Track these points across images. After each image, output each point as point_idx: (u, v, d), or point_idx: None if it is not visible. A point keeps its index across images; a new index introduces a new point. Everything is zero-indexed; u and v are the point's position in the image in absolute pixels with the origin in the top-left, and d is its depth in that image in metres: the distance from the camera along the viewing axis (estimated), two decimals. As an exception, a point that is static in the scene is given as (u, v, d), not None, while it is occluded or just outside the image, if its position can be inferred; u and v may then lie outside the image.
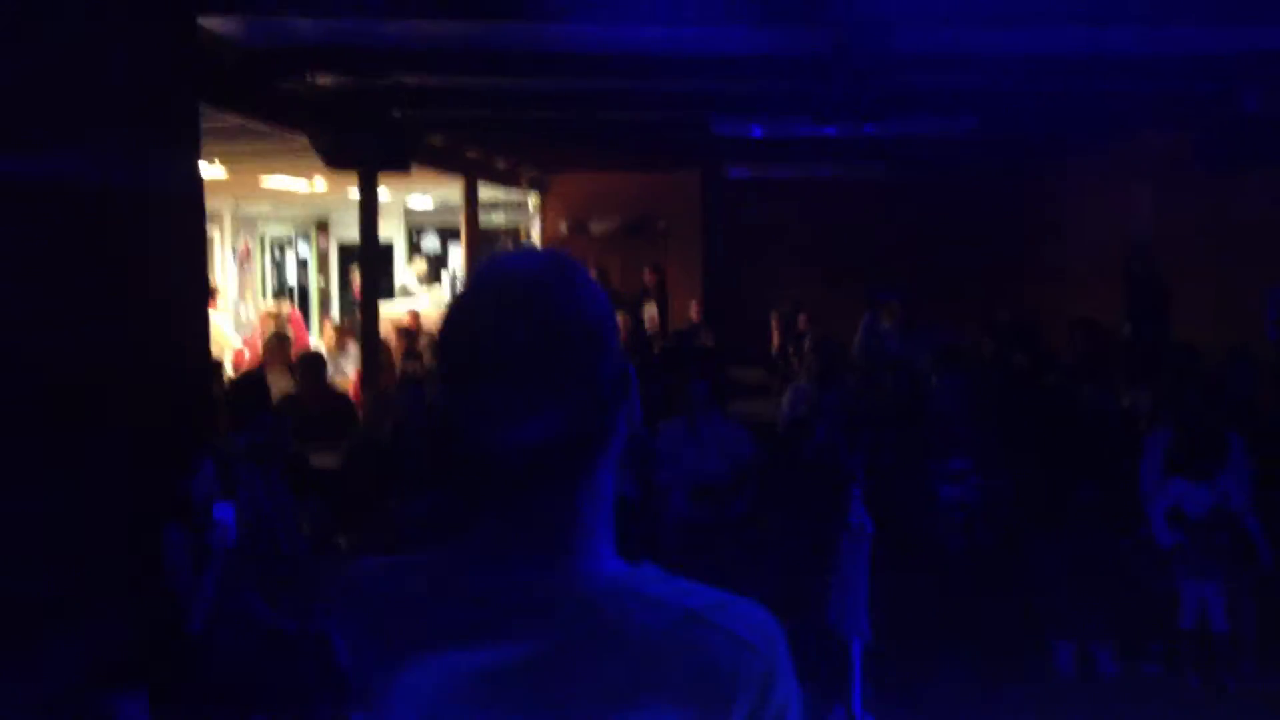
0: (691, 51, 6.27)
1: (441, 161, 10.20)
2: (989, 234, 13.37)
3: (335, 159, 6.69)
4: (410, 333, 11.36)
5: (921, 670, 5.80)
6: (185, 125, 4.89)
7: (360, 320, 9.26)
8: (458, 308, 1.29)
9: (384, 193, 15.10)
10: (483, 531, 1.28)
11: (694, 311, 13.01)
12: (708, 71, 6.46)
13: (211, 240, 15.68)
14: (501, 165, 12.44)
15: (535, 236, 15.24)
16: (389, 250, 18.24)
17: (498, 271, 1.29)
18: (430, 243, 18.42)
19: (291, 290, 18.73)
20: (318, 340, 12.95)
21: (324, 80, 6.48)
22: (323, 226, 19.17)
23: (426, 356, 10.46)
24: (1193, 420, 6.10)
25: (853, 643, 1.60)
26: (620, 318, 11.42)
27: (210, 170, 10.55)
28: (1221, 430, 6.06)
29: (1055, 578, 6.04)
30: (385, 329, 11.26)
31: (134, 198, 4.48)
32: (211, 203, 15.01)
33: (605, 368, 1.26)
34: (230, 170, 10.87)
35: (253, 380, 5.77)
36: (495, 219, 17.66)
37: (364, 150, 6.53)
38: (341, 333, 10.63)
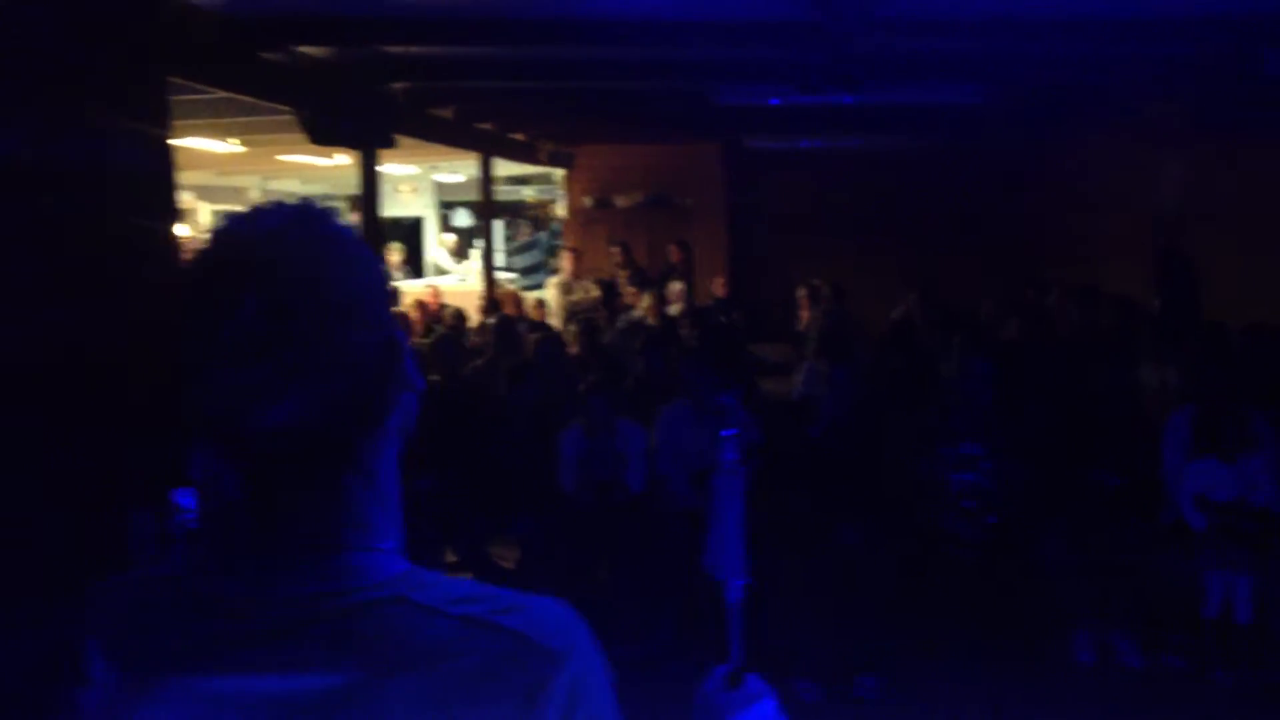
0: (684, 17, 6.06)
1: (452, 136, 9.99)
2: (1016, 206, 13.04)
3: (318, 135, 6.52)
4: (428, 308, 11.25)
5: (935, 660, 5.61)
6: (151, 98, 4.73)
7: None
8: (187, 278, 1.11)
9: (410, 168, 15.01)
10: (239, 533, 1.12)
11: (718, 288, 12.77)
12: (700, 39, 6.23)
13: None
14: (518, 139, 12.23)
15: (562, 211, 15.08)
16: (418, 226, 18.12)
17: (231, 233, 1.11)
18: (461, 219, 18.28)
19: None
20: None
21: (310, 51, 6.30)
22: (354, 202, 19.10)
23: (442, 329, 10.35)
24: (1217, 399, 5.82)
25: (729, 587, 1.51)
26: (648, 296, 11.26)
27: (227, 146, 10.49)
28: (1247, 410, 5.78)
29: (1072, 565, 5.79)
30: (407, 306, 11.18)
31: (91, 171, 4.32)
32: (237, 179, 15.07)
33: (360, 341, 1.09)
34: (249, 145, 10.78)
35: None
36: (525, 193, 17.50)
37: (346, 126, 6.34)
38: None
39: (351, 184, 17.96)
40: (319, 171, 14.79)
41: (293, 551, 1.10)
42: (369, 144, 7.21)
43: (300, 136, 10.24)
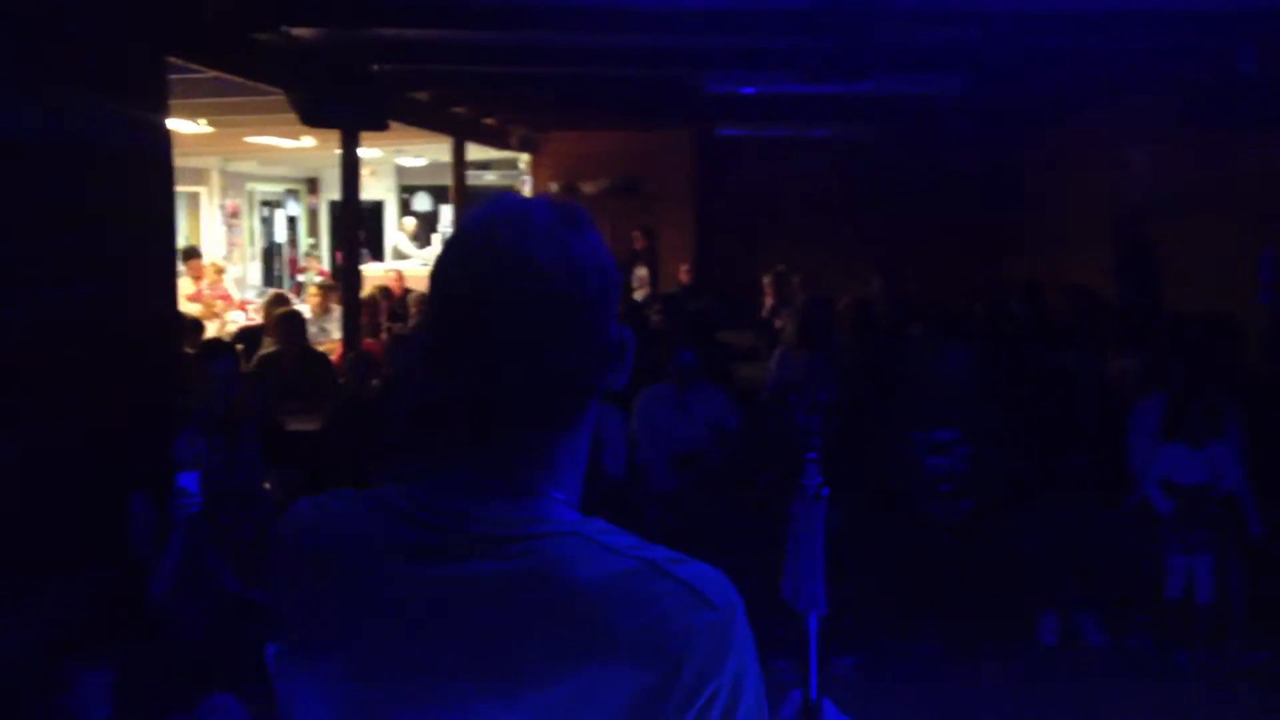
0: (681, 5, 6.11)
1: (427, 120, 10.03)
2: (983, 197, 13.25)
3: (312, 117, 6.55)
4: (393, 293, 11.27)
5: (903, 641, 5.74)
6: (149, 79, 4.74)
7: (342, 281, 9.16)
8: (466, 237, 1.24)
9: (374, 151, 14.97)
10: (451, 468, 1.24)
11: (683, 274, 12.89)
12: (697, 26, 6.30)
13: (197, 197, 15.56)
14: (490, 123, 12.27)
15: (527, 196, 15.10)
16: (378, 210, 18.06)
17: (514, 209, 1.24)
18: (422, 203, 18.26)
19: (278, 247, 18.61)
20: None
21: (301, 33, 6.31)
22: (313, 184, 19.02)
23: (414, 316, 10.38)
24: (1184, 387, 6.01)
25: (809, 618, 1.49)
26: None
27: (195, 127, 10.41)
28: (1214, 397, 5.97)
29: (1040, 548, 5.95)
30: (372, 290, 11.18)
31: (91, 154, 4.34)
32: (198, 160, 14.95)
33: (608, 326, 1.23)
34: (216, 126, 10.72)
35: (209, 347, 5.68)
36: (487, 178, 17.50)
37: (340, 108, 6.39)
38: (325, 294, 10.52)
39: (309, 167, 17.96)
40: (279, 154, 14.73)
41: (494, 487, 1.21)
42: (361, 126, 7.24)
43: (268, 118, 10.24)
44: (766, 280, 11.77)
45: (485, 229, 1.22)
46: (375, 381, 6.87)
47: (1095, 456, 6.20)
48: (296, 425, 6.52)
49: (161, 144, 4.85)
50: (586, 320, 1.21)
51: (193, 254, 12.22)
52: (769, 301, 11.59)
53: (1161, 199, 9.40)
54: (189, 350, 6.58)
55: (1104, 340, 7.54)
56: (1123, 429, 6.18)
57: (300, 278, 16.04)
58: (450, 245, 1.25)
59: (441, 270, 1.24)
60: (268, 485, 5.72)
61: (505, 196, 1.28)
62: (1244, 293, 7.68)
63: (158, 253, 4.92)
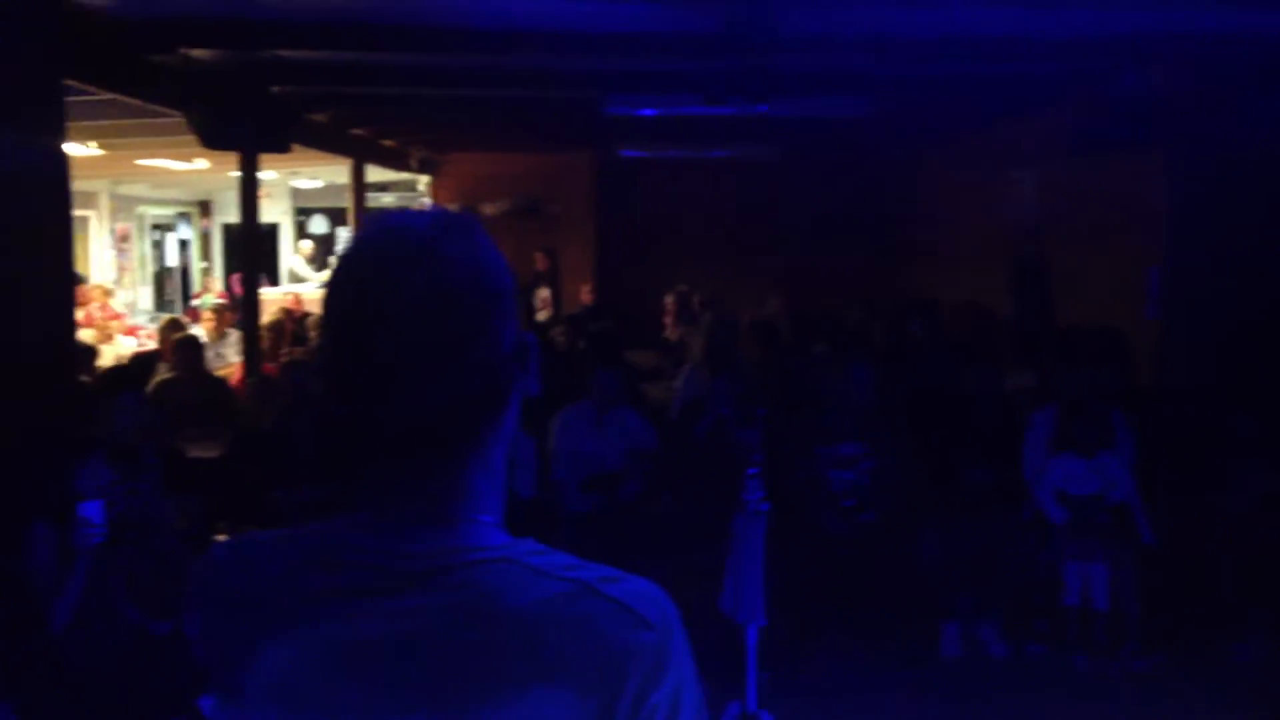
0: (582, 28, 6.15)
1: (326, 141, 9.93)
2: (879, 217, 13.50)
3: (212, 139, 6.44)
4: (294, 316, 11.11)
5: (807, 656, 5.78)
6: (46, 102, 4.64)
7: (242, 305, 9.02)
8: (349, 256, 1.19)
9: (269, 173, 14.77)
10: (365, 501, 1.20)
11: (586, 294, 12.92)
12: (599, 49, 6.34)
13: (86, 221, 15.20)
14: (389, 145, 12.19)
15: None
16: (273, 233, 17.79)
17: (394, 224, 1.20)
18: (318, 225, 18.05)
19: (170, 271, 18.25)
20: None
21: (199, 54, 6.22)
22: (205, 207, 18.70)
23: (313, 339, 10.24)
24: (1076, 399, 6.19)
25: (748, 630, 1.51)
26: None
27: (85, 150, 10.18)
28: (1105, 409, 6.16)
29: (940, 560, 6.06)
30: (271, 315, 11.00)
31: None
32: (87, 183, 14.61)
33: (505, 333, 1.18)
34: (107, 149, 10.50)
35: (112, 377, 5.56)
36: (386, 200, 17.38)
37: (242, 130, 6.29)
38: (221, 317, 10.32)
39: (202, 189, 17.65)
40: (171, 176, 14.47)
41: (414, 518, 1.18)
42: (262, 148, 7.14)
43: (161, 140, 10.05)
44: (668, 300, 11.85)
45: (364, 249, 1.19)
46: (275, 407, 6.77)
47: (995, 469, 6.34)
48: (196, 452, 6.42)
49: (58, 169, 4.74)
50: (474, 332, 1.15)
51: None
52: (670, 321, 11.67)
53: (1052, 217, 9.67)
54: (85, 378, 6.44)
55: (1001, 356, 7.73)
56: (1021, 442, 6.34)
57: (196, 301, 15.77)
58: (336, 268, 1.21)
59: (329, 293, 1.19)
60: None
61: (389, 213, 1.24)
62: (1132, 308, 7.92)
63: (54, 278, 4.81)
